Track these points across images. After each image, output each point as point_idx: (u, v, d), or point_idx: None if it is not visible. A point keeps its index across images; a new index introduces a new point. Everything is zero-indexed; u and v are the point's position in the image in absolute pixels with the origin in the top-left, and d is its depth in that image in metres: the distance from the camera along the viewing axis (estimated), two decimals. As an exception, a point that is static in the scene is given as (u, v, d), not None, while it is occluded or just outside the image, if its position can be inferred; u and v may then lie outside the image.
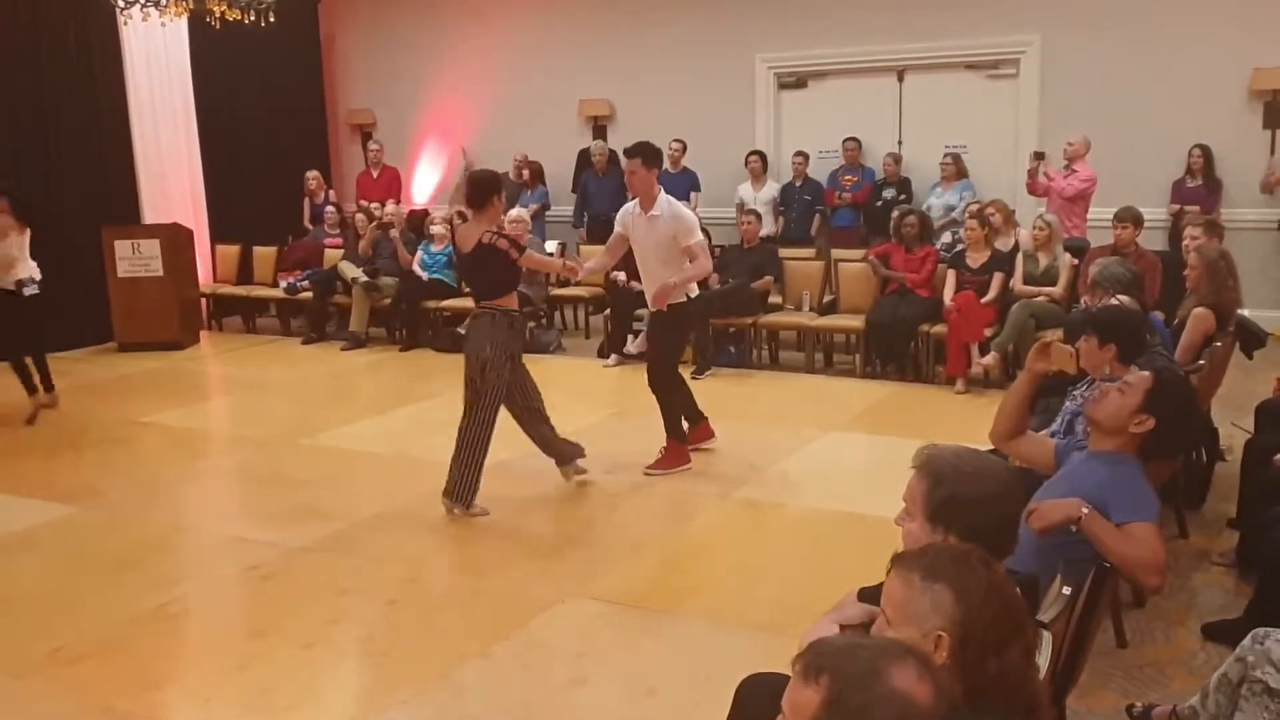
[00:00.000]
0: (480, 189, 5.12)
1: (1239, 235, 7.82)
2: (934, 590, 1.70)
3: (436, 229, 9.66)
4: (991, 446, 3.32)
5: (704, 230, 6.06)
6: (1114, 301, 4.33)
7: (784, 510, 5.15)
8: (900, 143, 10.01)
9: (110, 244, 9.40)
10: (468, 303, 9.22)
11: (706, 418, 6.06)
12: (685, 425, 5.84)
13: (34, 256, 7.15)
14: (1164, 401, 2.85)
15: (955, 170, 9.30)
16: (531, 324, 9.26)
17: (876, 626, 1.79)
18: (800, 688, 1.42)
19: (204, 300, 10.58)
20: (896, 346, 7.77)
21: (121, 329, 9.54)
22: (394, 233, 9.77)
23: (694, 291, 5.72)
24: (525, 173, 10.81)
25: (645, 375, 5.83)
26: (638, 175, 5.53)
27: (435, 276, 9.52)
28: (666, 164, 9.10)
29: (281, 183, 11.50)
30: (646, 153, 5.53)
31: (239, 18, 8.07)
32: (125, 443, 6.74)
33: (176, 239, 9.72)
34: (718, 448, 6.03)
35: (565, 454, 5.46)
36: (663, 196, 5.58)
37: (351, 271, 9.58)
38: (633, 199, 5.70)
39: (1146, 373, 2.98)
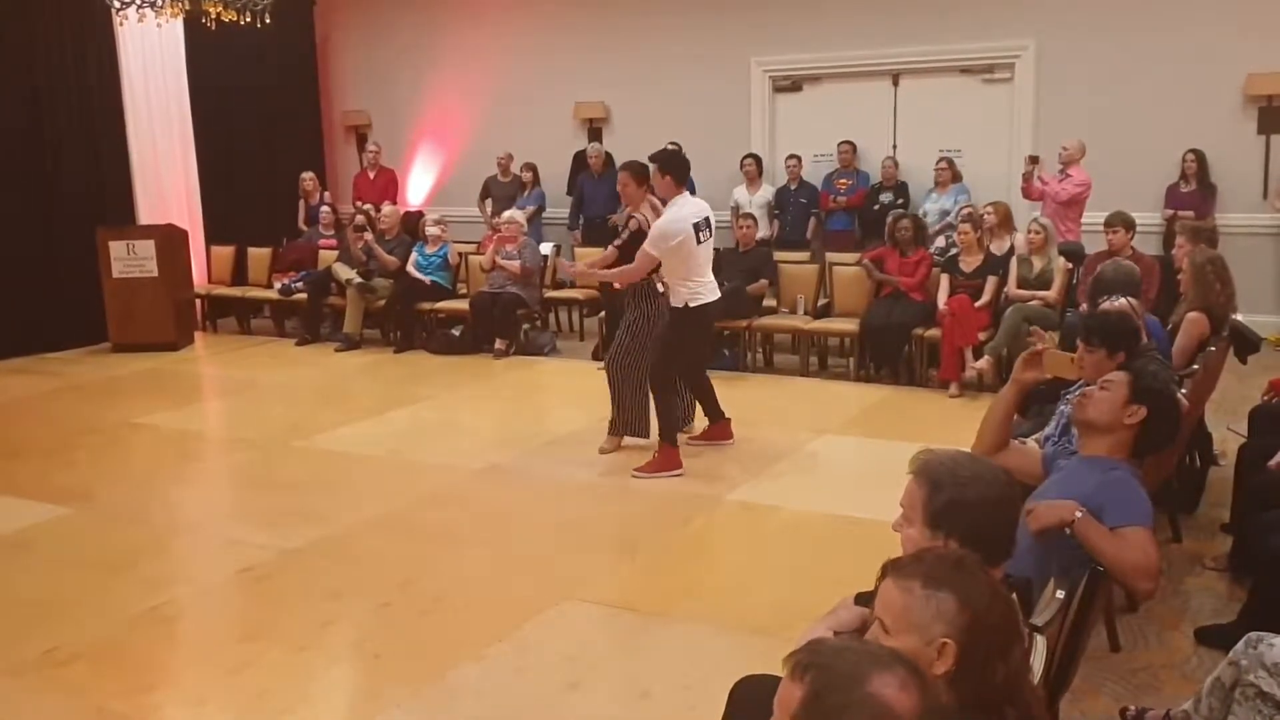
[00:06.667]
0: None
1: (1233, 240, 7.84)
2: (938, 598, 1.69)
3: (432, 230, 9.65)
4: (977, 455, 3.30)
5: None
6: (1119, 302, 4.27)
7: (778, 513, 5.15)
8: (895, 147, 10.02)
9: (105, 245, 9.38)
10: (462, 304, 9.30)
11: (728, 418, 6.16)
12: (703, 422, 6.18)
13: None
14: (1149, 388, 2.93)
15: (950, 174, 9.31)
16: (526, 326, 9.27)
17: (871, 634, 1.78)
18: (788, 683, 1.46)
19: (199, 301, 10.55)
20: (890, 350, 7.77)
21: (116, 330, 9.51)
22: (368, 234, 9.67)
23: (696, 300, 5.66)
24: (528, 174, 10.82)
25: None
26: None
27: (430, 278, 9.52)
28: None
29: (276, 184, 11.50)
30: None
31: (235, 19, 8.05)
32: (119, 444, 6.73)
33: (171, 240, 9.70)
34: (714, 451, 6.04)
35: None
36: (671, 204, 5.64)
37: (346, 273, 9.57)
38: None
39: (1121, 371, 3.05)
